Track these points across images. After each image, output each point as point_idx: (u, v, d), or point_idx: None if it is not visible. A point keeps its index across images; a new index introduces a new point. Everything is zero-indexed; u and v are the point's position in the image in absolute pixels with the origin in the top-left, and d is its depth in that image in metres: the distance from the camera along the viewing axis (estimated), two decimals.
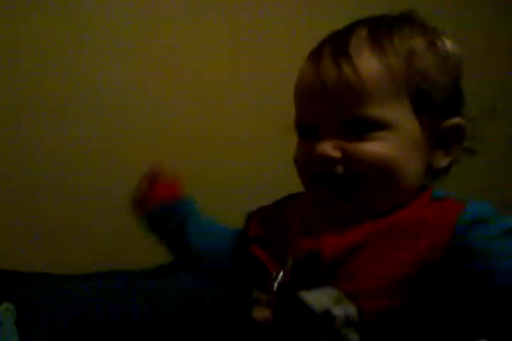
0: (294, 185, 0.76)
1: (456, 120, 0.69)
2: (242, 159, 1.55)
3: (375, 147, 0.65)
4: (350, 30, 0.70)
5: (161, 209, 0.85)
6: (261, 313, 0.70)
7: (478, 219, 0.62)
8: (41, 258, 1.39)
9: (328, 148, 0.66)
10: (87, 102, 1.45)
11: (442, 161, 0.70)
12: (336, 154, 0.66)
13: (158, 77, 1.50)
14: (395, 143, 0.66)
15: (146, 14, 1.50)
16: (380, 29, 0.69)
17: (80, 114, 1.45)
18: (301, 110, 0.72)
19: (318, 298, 0.65)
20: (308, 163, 0.70)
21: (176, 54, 1.51)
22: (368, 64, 0.66)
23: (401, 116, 0.66)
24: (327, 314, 0.63)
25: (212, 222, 0.89)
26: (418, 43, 0.68)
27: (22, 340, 1.02)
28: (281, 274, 0.70)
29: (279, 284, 0.70)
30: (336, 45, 0.68)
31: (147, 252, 1.43)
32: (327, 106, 0.67)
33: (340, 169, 0.67)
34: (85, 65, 1.45)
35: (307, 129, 0.70)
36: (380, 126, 0.65)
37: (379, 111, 0.65)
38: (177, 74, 1.51)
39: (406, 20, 0.71)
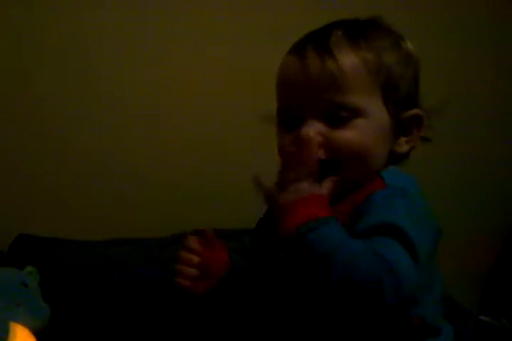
0: None
1: (416, 111, 0.79)
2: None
3: (352, 135, 0.74)
4: (327, 29, 0.79)
5: (229, 274, 0.87)
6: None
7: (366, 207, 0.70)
8: (61, 226, 1.44)
9: (312, 132, 0.74)
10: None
11: (403, 147, 0.80)
12: (318, 138, 0.74)
13: None
14: (368, 130, 0.75)
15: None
16: (354, 30, 0.78)
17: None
18: (285, 100, 0.79)
19: None
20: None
21: None
22: (347, 57, 0.75)
23: (374, 104, 0.76)
24: None
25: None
26: (386, 43, 0.79)
27: (45, 301, 1.07)
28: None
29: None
30: (318, 41, 0.77)
31: (162, 221, 1.49)
32: (311, 94, 0.75)
33: (321, 153, 0.74)
34: None
35: (290, 120, 0.77)
36: (356, 113, 0.74)
37: (356, 99, 0.74)
38: None
39: (374, 24, 0.82)
